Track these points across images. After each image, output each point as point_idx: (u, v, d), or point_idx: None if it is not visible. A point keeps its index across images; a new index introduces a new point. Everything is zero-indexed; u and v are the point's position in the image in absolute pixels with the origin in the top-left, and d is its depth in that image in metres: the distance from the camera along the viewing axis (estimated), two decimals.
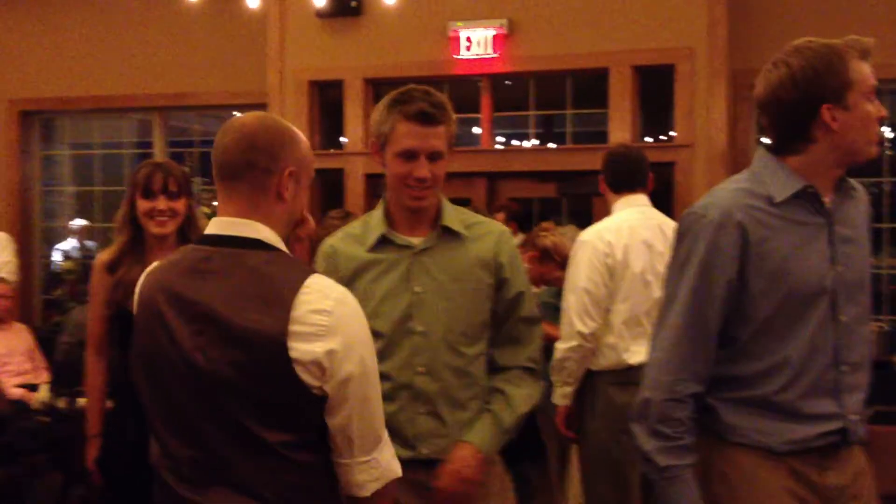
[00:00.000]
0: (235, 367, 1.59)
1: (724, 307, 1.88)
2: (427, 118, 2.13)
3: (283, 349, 1.56)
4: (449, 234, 2.23)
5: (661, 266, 3.20)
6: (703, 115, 5.51)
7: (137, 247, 2.88)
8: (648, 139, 5.98)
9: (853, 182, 1.99)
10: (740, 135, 5.83)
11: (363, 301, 2.18)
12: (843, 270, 1.90)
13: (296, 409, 1.61)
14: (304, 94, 6.18)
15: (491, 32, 5.78)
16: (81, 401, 3.08)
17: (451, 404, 2.19)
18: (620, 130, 5.63)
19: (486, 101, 6.10)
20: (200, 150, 7.15)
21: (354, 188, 6.09)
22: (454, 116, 2.21)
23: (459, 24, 5.81)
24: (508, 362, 2.27)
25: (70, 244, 7.78)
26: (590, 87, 5.97)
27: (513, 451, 2.30)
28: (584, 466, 3.35)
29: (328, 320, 1.58)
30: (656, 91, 5.75)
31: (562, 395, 3.31)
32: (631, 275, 3.18)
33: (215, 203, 1.78)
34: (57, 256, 7.64)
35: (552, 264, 3.81)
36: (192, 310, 1.64)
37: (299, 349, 1.56)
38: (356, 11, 6.01)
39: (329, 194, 6.26)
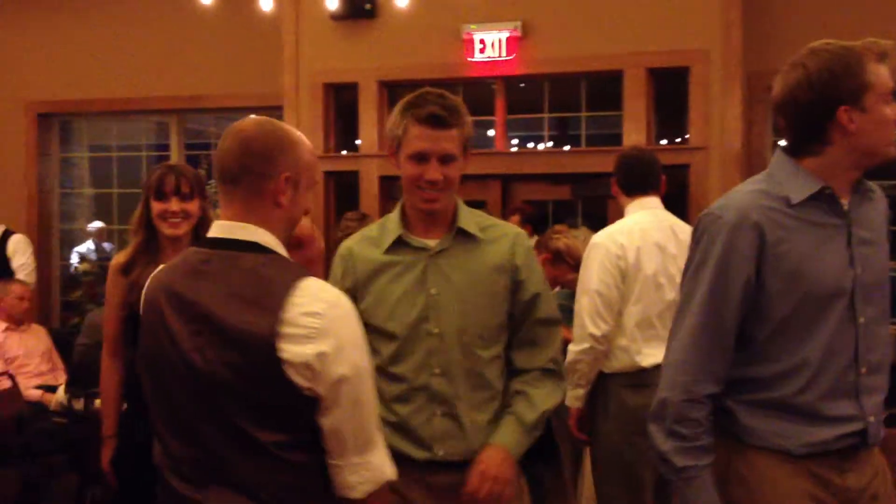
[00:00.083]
0: (230, 367, 1.61)
1: (741, 308, 1.89)
2: (438, 121, 2.14)
3: (274, 351, 1.58)
4: (464, 236, 2.24)
5: (674, 268, 3.21)
6: (718, 117, 5.49)
7: (152, 248, 2.90)
8: (663, 142, 5.97)
9: (871, 184, 1.99)
10: (755, 137, 5.81)
11: (379, 303, 2.21)
12: (861, 272, 1.90)
13: (289, 410, 1.62)
14: (318, 96, 6.20)
15: (505, 35, 5.78)
16: (97, 402, 3.09)
17: (467, 406, 2.19)
18: (635, 133, 5.61)
19: (500, 104, 6.10)
20: None
21: (369, 190, 6.10)
22: (469, 119, 2.22)
23: (473, 26, 5.81)
24: (527, 365, 2.27)
25: (88, 246, 7.84)
26: (604, 89, 5.96)
27: (527, 453, 2.29)
28: (597, 468, 3.35)
29: (319, 323, 1.60)
30: (671, 93, 5.74)
31: (574, 398, 3.31)
32: (643, 277, 3.18)
33: None
34: (75, 259, 7.70)
35: (565, 266, 3.82)
36: (190, 311, 1.67)
37: (290, 351, 1.58)
38: (370, 14, 6.03)
39: (344, 196, 6.28)
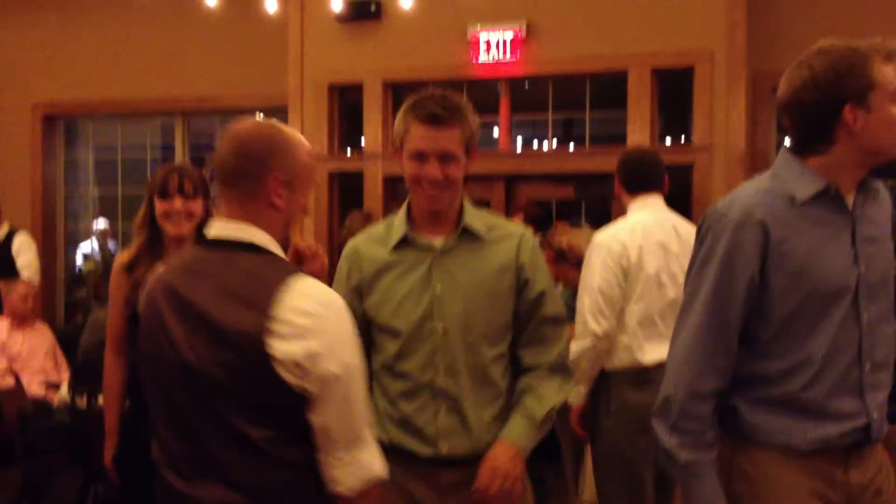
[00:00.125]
0: (222, 365, 1.63)
1: (745, 306, 1.89)
2: (437, 120, 2.16)
3: (264, 348, 1.60)
4: (470, 235, 2.25)
5: (676, 267, 3.21)
6: (722, 117, 5.49)
7: (156, 247, 2.91)
8: (667, 142, 5.97)
9: (876, 183, 1.99)
10: (759, 137, 5.81)
11: (384, 300, 2.23)
12: (865, 270, 1.90)
13: (280, 408, 1.64)
14: (323, 97, 6.21)
15: (509, 35, 5.78)
16: (101, 400, 3.11)
17: (471, 403, 2.20)
18: (639, 133, 5.61)
19: (504, 104, 6.11)
20: None
21: (373, 190, 6.11)
22: (474, 118, 2.23)
23: (478, 26, 5.82)
24: (535, 362, 2.27)
25: (92, 246, 7.87)
26: (608, 89, 5.96)
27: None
28: (598, 466, 3.35)
29: (309, 321, 1.62)
30: (675, 93, 5.74)
31: (576, 395, 3.32)
32: (645, 276, 3.18)
33: None
34: (79, 258, 7.73)
35: (567, 265, 3.82)
36: (186, 309, 1.69)
37: (279, 348, 1.60)
38: (375, 15, 6.04)
39: (348, 197, 6.29)
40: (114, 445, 2.94)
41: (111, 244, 7.93)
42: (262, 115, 6.70)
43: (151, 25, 6.98)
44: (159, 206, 2.89)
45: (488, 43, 5.83)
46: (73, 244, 7.86)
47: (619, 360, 3.21)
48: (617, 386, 3.21)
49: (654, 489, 3.25)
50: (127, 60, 7.04)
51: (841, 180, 1.90)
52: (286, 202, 1.76)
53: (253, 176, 1.73)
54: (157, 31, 6.98)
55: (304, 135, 6.11)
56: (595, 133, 6.20)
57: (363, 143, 6.23)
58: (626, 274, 3.18)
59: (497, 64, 5.85)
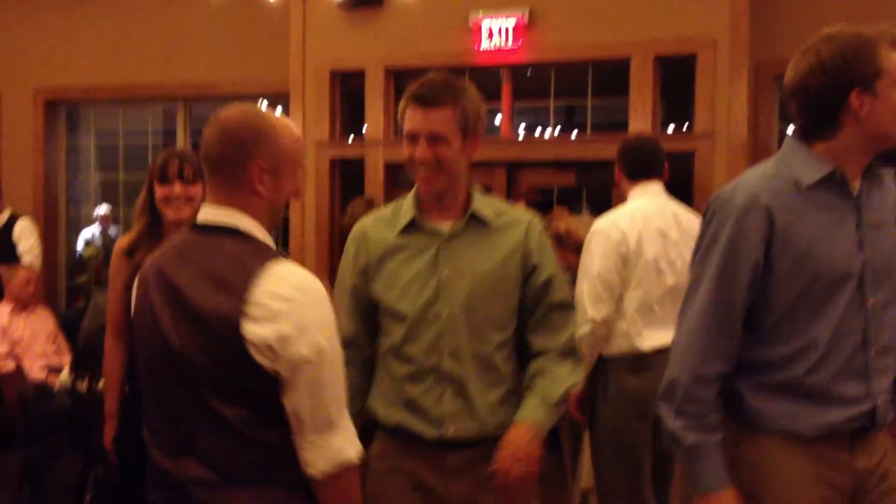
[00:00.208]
0: (200, 347, 1.66)
1: (750, 290, 1.90)
2: (424, 100, 2.16)
3: (238, 331, 1.62)
4: (478, 221, 2.25)
5: (675, 254, 3.22)
6: (724, 105, 5.48)
7: (155, 232, 2.92)
8: (669, 129, 5.96)
9: (883, 168, 1.99)
10: (761, 125, 5.80)
11: (390, 284, 2.24)
12: (870, 255, 1.91)
13: (254, 390, 1.66)
14: (325, 83, 6.20)
15: (511, 22, 5.77)
16: (102, 383, 3.13)
17: (477, 387, 2.20)
18: (641, 120, 5.61)
19: (506, 91, 6.10)
20: None
21: (374, 177, 6.11)
22: (472, 101, 2.21)
23: (480, 13, 5.81)
24: (545, 346, 2.27)
25: (94, 231, 7.89)
26: (611, 76, 5.94)
27: None
28: (596, 451, 3.36)
29: (282, 305, 1.63)
30: (677, 81, 5.72)
31: None
32: (644, 262, 3.19)
33: None
34: (81, 243, 7.75)
35: (566, 250, 3.82)
36: (171, 293, 1.72)
37: (252, 331, 1.62)
38: (377, 2, 6.02)
39: (349, 183, 6.29)
40: (114, 429, 2.96)
41: (113, 230, 7.95)
42: (265, 101, 6.72)
43: (154, 11, 6.98)
44: (159, 191, 2.90)
45: (490, 30, 5.82)
46: (74, 230, 7.88)
47: (618, 347, 3.22)
48: (615, 372, 3.22)
49: (653, 474, 3.26)
50: (129, 46, 7.04)
51: (847, 166, 1.91)
52: (270, 189, 1.77)
53: (236, 164, 1.74)
54: (159, 17, 6.97)
55: (306, 121, 6.10)
56: (597, 120, 6.19)
57: (364, 130, 6.22)
58: (625, 261, 3.19)
59: (499, 51, 5.84)
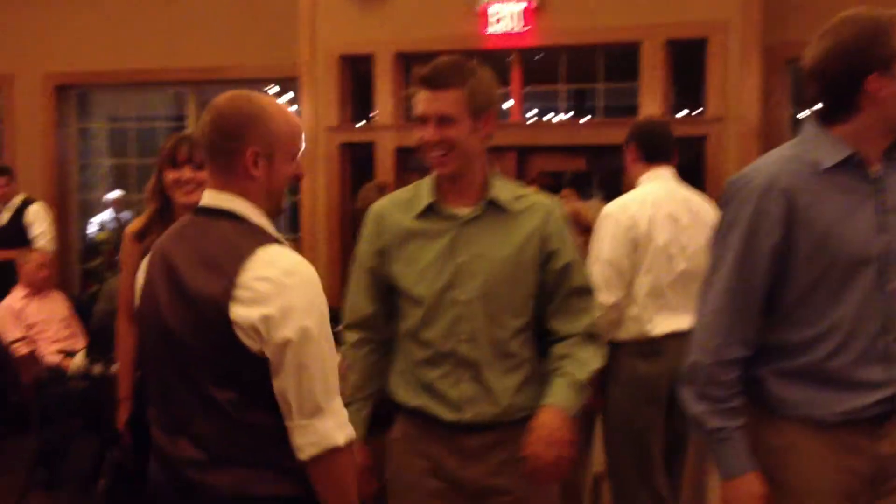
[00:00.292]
0: (192, 327, 1.70)
1: (770, 272, 1.90)
2: (432, 82, 2.16)
3: (226, 312, 1.65)
4: (496, 206, 2.24)
5: (685, 239, 3.21)
6: (736, 88, 5.45)
7: (166, 216, 2.93)
8: (681, 113, 5.93)
9: None
10: (773, 109, 5.77)
11: (407, 268, 2.24)
12: (890, 239, 1.90)
13: (243, 372, 1.69)
14: (334, 68, 6.20)
15: (521, 6, 5.75)
16: (115, 367, 3.15)
17: (494, 372, 2.20)
18: (652, 104, 5.59)
19: (516, 75, 6.09)
20: None
21: (384, 161, 6.11)
22: (483, 83, 2.20)
23: None
24: (568, 331, 2.26)
25: (106, 215, 7.93)
26: (621, 60, 5.92)
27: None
28: (607, 436, 3.37)
29: (269, 287, 1.65)
30: (688, 65, 5.70)
31: None
32: (654, 247, 3.18)
33: None
34: (93, 228, 7.78)
35: (574, 230, 3.83)
36: (169, 274, 1.76)
37: (238, 313, 1.65)
38: None
39: (359, 168, 6.30)
40: (127, 412, 2.98)
41: (125, 214, 7.98)
42: (276, 86, 6.72)
43: None
44: (169, 175, 2.91)
45: (500, 14, 5.80)
46: (87, 214, 7.92)
47: (628, 332, 3.22)
48: (626, 357, 3.22)
49: (664, 459, 3.27)
50: (139, 30, 7.04)
51: (866, 149, 1.90)
52: (266, 173, 1.78)
53: (230, 150, 1.76)
54: (170, 1, 6.97)
55: (316, 106, 6.08)
56: (607, 105, 6.18)
57: (374, 115, 6.22)
58: (636, 245, 3.18)
59: (509, 35, 5.82)
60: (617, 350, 3.26)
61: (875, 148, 1.92)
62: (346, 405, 2.25)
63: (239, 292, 1.65)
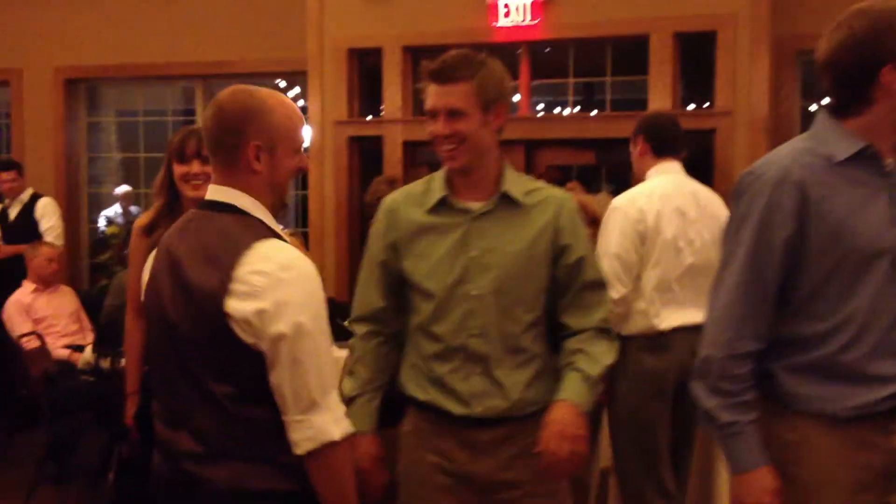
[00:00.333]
0: (191, 321, 1.71)
1: (783, 265, 1.89)
2: (441, 76, 2.16)
3: (223, 307, 1.66)
4: (509, 199, 2.23)
5: (693, 233, 3.21)
6: (745, 82, 5.42)
7: (174, 210, 2.93)
8: (690, 107, 5.91)
9: None
10: (782, 102, 5.74)
11: (420, 262, 2.24)
12: None
13: (240, 366, 1.69)
14: (343, 61, 6.19)
15: None
16: (124, 361, 3.16)
17: (504, 367, 2.20)
18: (661, 98, 5.56)
19: (524, 69, 6.06)
20: None
21: (393, 155, 6.10)
22: (494, 76, 2.20)
23: None
24: (580, 325, 2.25)
25: (115, 210, 7.95)
26: (630, 53, 5.90)
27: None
28: (614, 431, 3.37)
29: (263, 281, 1.66)
30: (697, 58, 5.67)
31: None
32: (662, 241, 3.18)
33: None
34: (102, 222, 7.81)
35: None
36: (172, 267, 1.77)
37: (234, 307, 1.66)
38: None
39: (368, 162, 6.29)
40: (135, 406, 2.99)
41: (134, 208, 8.00)
42: (284, 80, 6.71)
43: None
44: (177, 170, 2.92)
45: (508, 7, 5.78)
46: (96, 209, 7.94)
47: (636, 326, 3.21)
48: (633, 351, 3.22)
49: (672, 454, 3.27)
50: (148, 25, 7.05)
51: (879, 142, 1.89)
52: (268, 167, 1.79)
53: (231, 145, 1.77)
54: None
55: (324, 100, 6.06)
56: (616, 98, 6.15)
57: (383, 109, 6.21)
58: (644, 239, 3.18)
59: (517, 28, 5.80)
60: (624, 344, 3.24)
61: (888, 141, 1.91)
62: (357, 396, 2.28)
63: (235, 286, 1.66)
